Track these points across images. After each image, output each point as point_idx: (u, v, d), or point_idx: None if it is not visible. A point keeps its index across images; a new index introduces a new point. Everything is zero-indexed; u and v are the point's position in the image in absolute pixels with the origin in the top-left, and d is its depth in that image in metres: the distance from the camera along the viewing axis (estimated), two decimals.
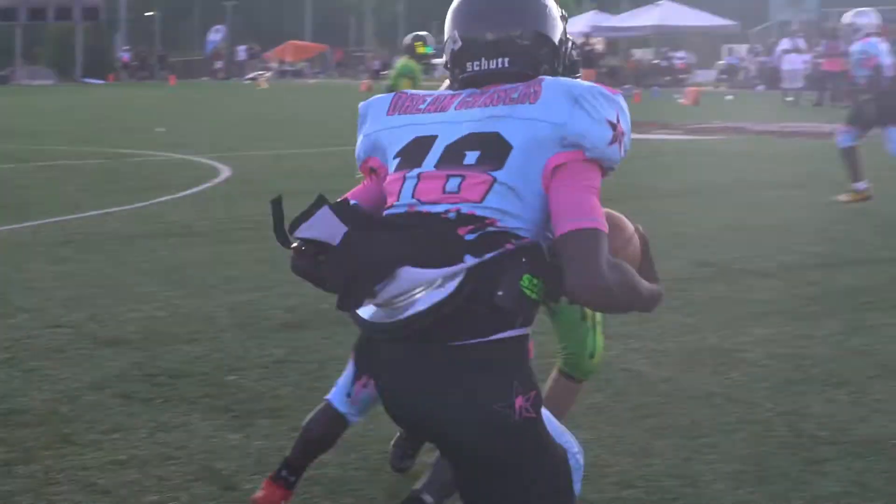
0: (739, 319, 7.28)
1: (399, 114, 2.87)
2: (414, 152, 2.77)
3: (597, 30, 50.51)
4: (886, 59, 11.81)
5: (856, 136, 11.89)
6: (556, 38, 2.89)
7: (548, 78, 2.74)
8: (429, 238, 2.59)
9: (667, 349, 6.60)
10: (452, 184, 2.68)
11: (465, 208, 2.65)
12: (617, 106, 2.70)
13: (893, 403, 5.59)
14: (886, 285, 8.30)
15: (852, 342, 6.73)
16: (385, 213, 2.77)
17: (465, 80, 2.87)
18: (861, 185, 11.91)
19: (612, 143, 2.67)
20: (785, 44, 33.46)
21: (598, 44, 53.27)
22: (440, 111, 2.81)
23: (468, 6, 2.89)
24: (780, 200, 12.76)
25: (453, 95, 2.83)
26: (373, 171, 2.89)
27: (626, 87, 42.46)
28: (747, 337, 6.83)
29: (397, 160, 2.80)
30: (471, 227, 2.61)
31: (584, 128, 2.63)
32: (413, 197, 2.71)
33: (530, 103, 2.68)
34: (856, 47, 12.05)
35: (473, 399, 2.58)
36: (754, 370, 6.17)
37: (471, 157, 2.69)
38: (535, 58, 2.85)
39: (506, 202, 2.64)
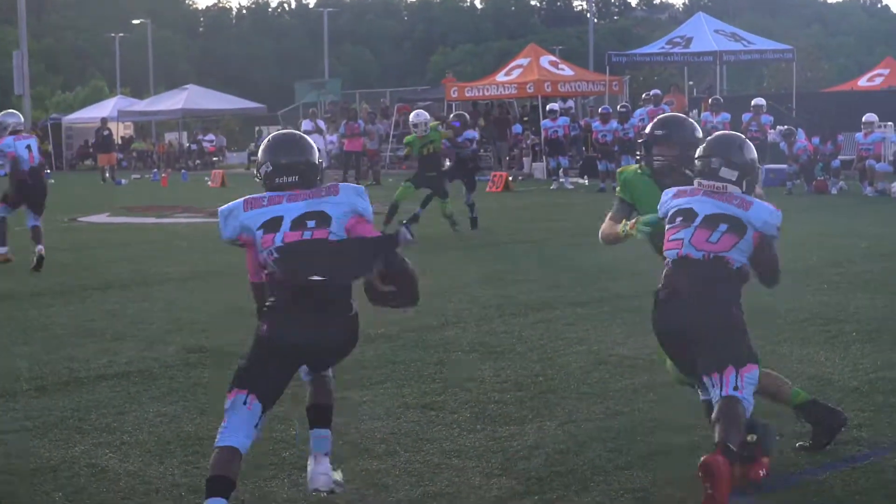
0: (219, 405, 7.18)
1: (252, 209, 5.22)
2: (272, 224, 5.16)
3: (123, 115, 49.79)
4: (23, 153, 14.20)
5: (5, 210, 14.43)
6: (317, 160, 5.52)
7: (341, 183, 5.37)
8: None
9: (140, 441, 6.44)
10: (307, 234, 5.13)
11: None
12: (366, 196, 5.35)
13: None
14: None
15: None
16: (271, 250, 5.16)
17: (273, 188, 5.33)
18: (3, 249, 14.37)
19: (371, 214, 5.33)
20: (307, 125, 34.09)
21: (127, 128, 52.68)
22: (277, 204, 5.22)
23: (275, 145, 5.44)
24: None
25: (279, 196, 5.26)
26: (240, 244, 5.27)
27: (154, 170, 42.15)
28: None
29: (261, 231, 5.17)
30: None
31: (364, 207, 5.26)
32: (282, 242, 5.12)
33: (334, 195, 5.26)
34: None
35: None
36: None
37: (310, 223, 5.16)
38: (312, 175, 5.40)
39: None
